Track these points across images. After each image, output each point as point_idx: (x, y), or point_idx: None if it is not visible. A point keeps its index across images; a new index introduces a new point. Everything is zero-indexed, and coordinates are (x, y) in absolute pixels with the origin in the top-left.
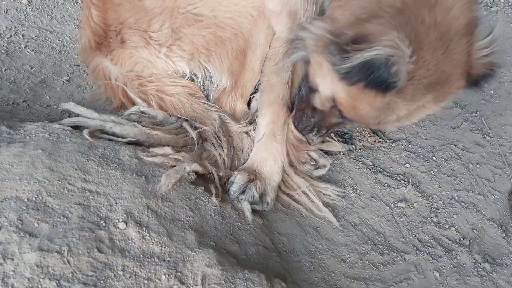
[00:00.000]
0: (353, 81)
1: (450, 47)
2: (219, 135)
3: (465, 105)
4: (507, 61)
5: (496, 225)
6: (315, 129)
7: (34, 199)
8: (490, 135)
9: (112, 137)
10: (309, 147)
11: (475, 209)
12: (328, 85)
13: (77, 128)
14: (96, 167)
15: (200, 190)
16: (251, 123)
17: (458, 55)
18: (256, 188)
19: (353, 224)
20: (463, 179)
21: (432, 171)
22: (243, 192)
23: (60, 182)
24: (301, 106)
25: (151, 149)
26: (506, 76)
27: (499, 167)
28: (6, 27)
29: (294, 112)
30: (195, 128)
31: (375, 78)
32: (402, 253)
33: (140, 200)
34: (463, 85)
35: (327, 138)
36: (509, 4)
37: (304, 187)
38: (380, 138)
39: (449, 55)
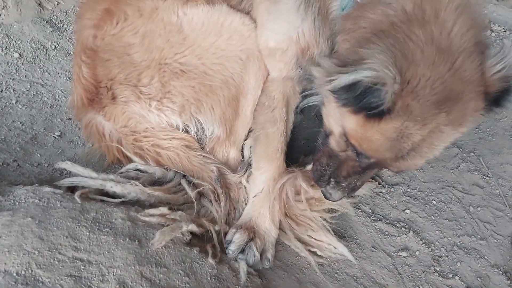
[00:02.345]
0: (349, 105)
1: (457, 63)
2: (217, 187)
3: (462, 145)
4: None
5: (500, 272)
6: (332, 180)
7: (23, 272)
8: (489, 175)
9: (104, 198)
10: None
11: (478, 255)
12: (338, 120)
13: (71, 189)
14: (87, 233)
15: (195, 251)
16: (246, 171)
17: (469, 73)
18: (256, 248)
19: (355, 277)
20: (464, 223)
21: (432, 216)
22: (242, 251)
23: (50, 253)
24: (318, 156)
25: (146, 210)
26: (502, 112)
27: (500, 209)
28: None
29: (312, 164)
30: (194, 185)
31: (362, 102)
32: None
33: (133, 267)
34: (482, 106)
35: None
36: None
37: (318, 223)
38: (378, 184)
39: (457, 72)
